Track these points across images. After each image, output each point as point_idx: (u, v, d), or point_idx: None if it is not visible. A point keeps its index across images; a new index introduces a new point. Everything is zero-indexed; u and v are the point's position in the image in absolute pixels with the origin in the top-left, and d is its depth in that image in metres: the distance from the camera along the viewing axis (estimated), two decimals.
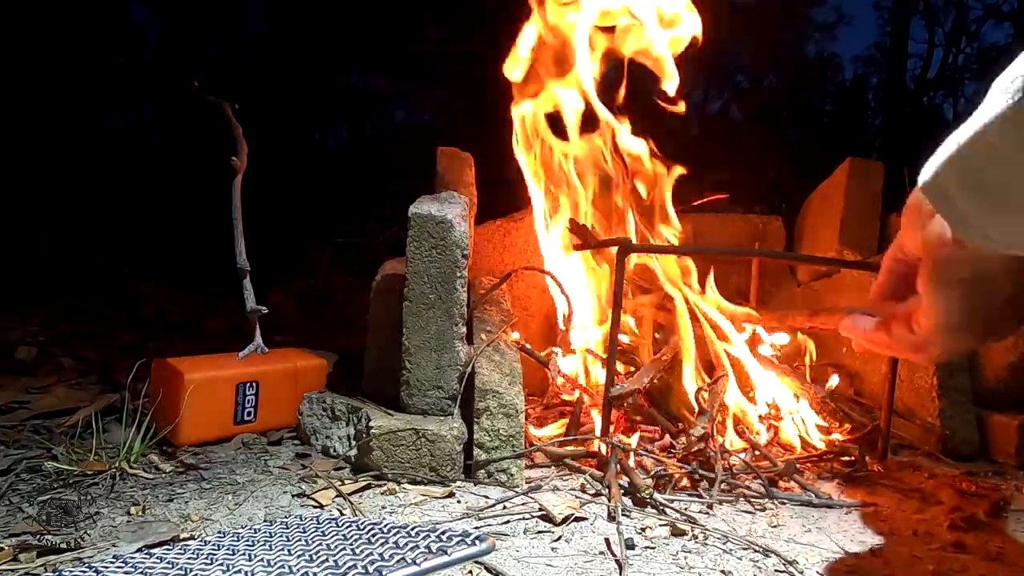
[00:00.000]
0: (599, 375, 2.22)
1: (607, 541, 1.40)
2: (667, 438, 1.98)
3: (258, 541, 0.95)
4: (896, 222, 2.75)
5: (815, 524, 1.57)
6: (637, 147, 2.45)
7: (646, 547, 1.38)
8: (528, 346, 2.16)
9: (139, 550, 1.15)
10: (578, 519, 1.50)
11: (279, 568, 0.83)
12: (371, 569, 0.80)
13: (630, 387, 1.93)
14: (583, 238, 2.24)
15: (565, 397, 2.28)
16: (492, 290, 2.17)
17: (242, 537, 0.97)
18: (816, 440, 2.11)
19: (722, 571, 1.29)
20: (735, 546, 1.41)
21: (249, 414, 1.98)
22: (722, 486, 1.73)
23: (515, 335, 2.13)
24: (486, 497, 1.61)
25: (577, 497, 1.63)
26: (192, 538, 1.30)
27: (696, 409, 1.99)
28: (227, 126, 2.03)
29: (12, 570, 1.17)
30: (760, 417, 2.17)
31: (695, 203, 3.08)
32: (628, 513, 1.55)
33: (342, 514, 1.49)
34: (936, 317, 0.64)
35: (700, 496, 1.68)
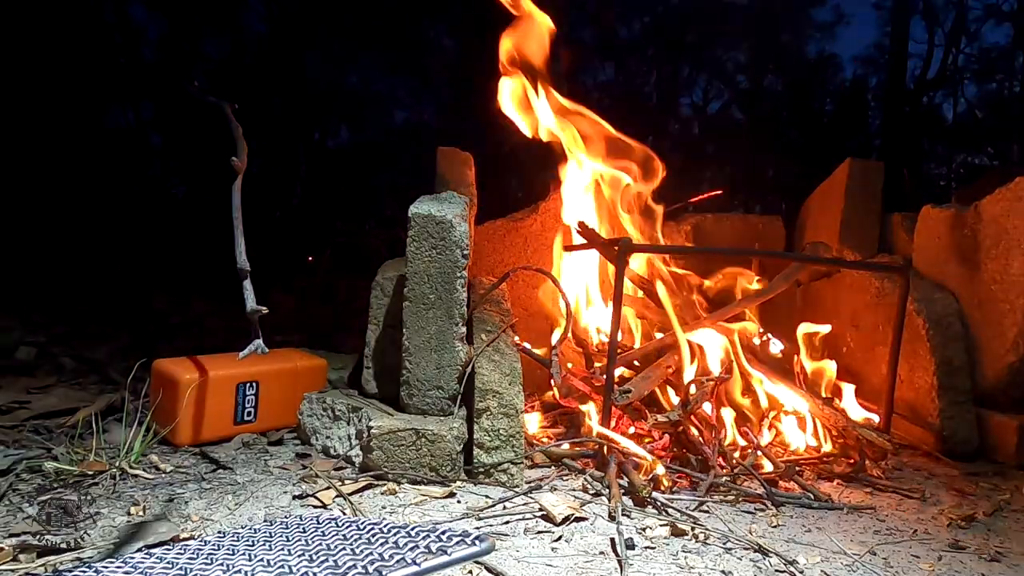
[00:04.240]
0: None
1: (607, 541, 1.40)
2: (666, 438, 1.98)
3: (258, 541, 0.95)
4: (896, 222, 2.75)
5: (815, 524, 1.57)
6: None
7: (646, 547, 1.38)
8: (527, 345, 2.16)
9: (139, 550, 1.15)
10: (578, 519, 1.50)
11: (279, 568, 0.83)
12: (371, 569, 0.80)
13: (634, 396, 1.93)
14: (589, 238, 2.25)
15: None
16: (491, 290, 2.17)
17: (242, 537, 0.97)
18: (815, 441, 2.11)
19: (722, 571, 1.29)
20: (735, 546, 1.41)
21: (249, 414, 1.98)
22: (721, 487, 1.73)
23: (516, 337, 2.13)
24: (486, 497, 1.61)
25: (577, 497, 1.62)
26: (192, 538, 1.30)
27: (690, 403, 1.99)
28: (227, 126, 2.03)
29: (12, 570, 1.17)
30: (760, 418, 2.17)
31: (693, 200, 3.08)
32: (628, 513, 1.55)
33: (342, 514, 1.49)
34: None
35: (700, 496, 1.68)
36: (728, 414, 2.07)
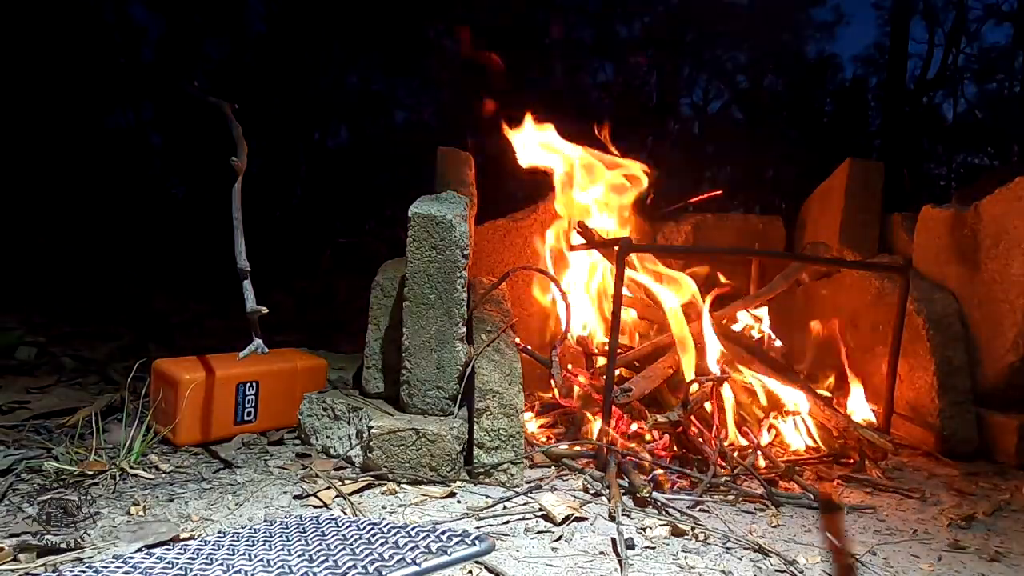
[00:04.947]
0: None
1: (608, 541, 1.40)
2: (666, 438, 1.98)
3: (258, 541, 0.95)
4: (896, 222, 2.75)
5: (815, 524, 1.57)
6: None
7: (646, 547, 1.38)
8: (529, 348, 2.16)
9: (139, 550, 1.15)
10: (578, 519, 1.50)
11: (279, 568, 0.83)
12: (371, 569, 0.80)
13: (634, 394, 1.93)
14: (589, 238, 2.26)
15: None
16: (491, 290, 2.17)
17: (242, 537, 0.97)
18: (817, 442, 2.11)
19: (722, 571, 1.29)
20: (735, 546, 1.41)
21: (249, 414, 1.98)
22: (721, 487, 1.73)
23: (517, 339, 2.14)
24: (486, 497, 1.60)
25: (577, 497, 1.62)
26: (192, 538, 1.30)
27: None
28: (227, 126, 2.03)
29: (12, 570, 1.17)
30: (760, 419, 2.17)
31: (692, 201, 3.08)
32: (628, 513, 1.55)
33: (343, 514, 1.49)
34: None
35: (700, 497, 1.68)
36: (728, 414, 2.07)
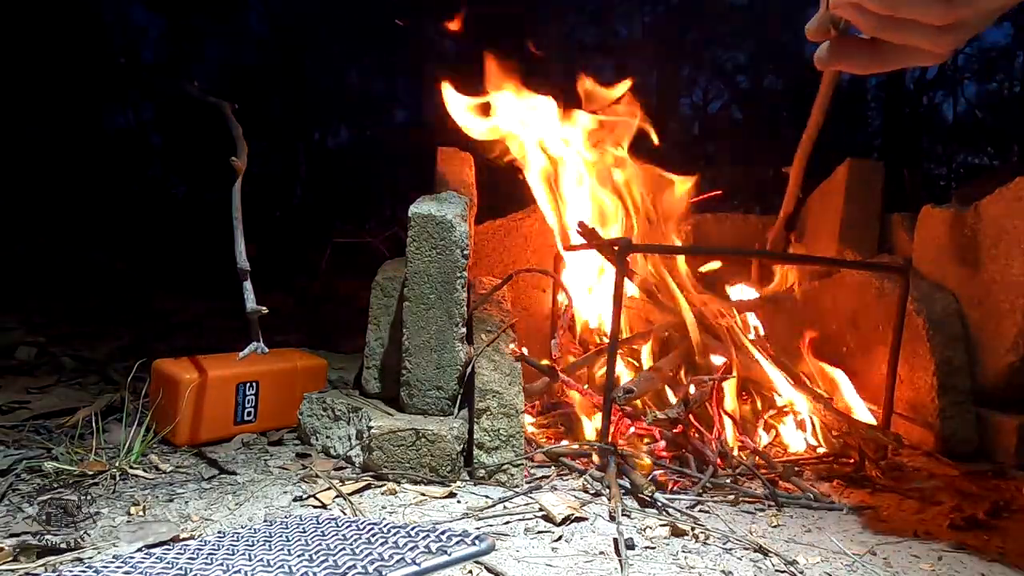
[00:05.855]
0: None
1: (608, 541, 1.40)
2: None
3: (258, 541, 0.95)
4: (896, 222, 2.75)
5: (815, 524, 1.57)
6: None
7: (646, 547, 1.38)
8: (525, 351, 2.15)
9: (139, 550, 1.15)
10: (578, 519, 1.50)
11: (279, 568, 0.83)
12: (371, 569, 0.80)
13: (636, 395, 1.93)
14: (589, 238, 2.25)
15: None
16: (493, 292, 2.17)
17: (242, 537, 0.97)
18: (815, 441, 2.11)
19: (722, 571, 1.29)
20: (735, 546, 1.41)
21: (249, 414, 1.98)
22: (725, 487, 1.73)
23: (512, 346, 2.14)
24: (486, 497, 1.61)
25: (577, 497, 1.62)
26: (192, 538, 1.30)
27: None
28: (227, 126, 2.03)
29: (12, 570, 1.17)
30: (759, 417, 2.17)
31: (692, 201, 3.08)
32: (628, 513, 1.55)
33: (342, 514, 1.49)
34: None
35: (701, 497, 1.68)
36: (728, 413, 2.07)
